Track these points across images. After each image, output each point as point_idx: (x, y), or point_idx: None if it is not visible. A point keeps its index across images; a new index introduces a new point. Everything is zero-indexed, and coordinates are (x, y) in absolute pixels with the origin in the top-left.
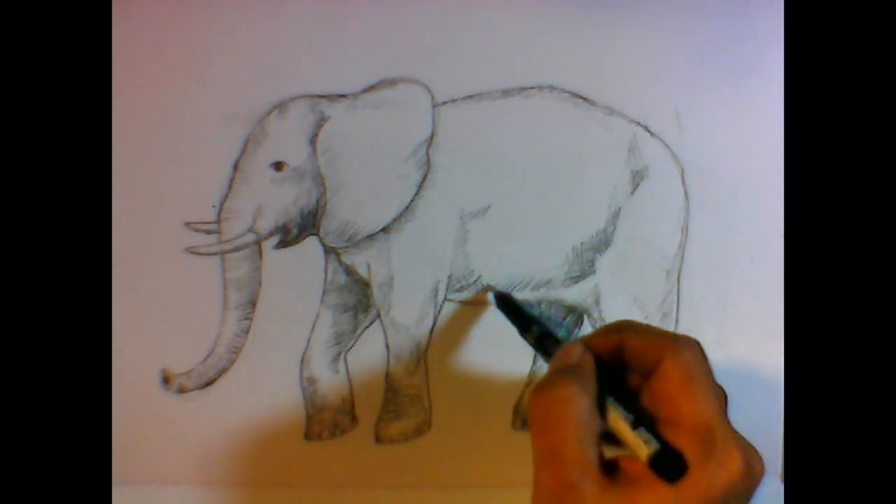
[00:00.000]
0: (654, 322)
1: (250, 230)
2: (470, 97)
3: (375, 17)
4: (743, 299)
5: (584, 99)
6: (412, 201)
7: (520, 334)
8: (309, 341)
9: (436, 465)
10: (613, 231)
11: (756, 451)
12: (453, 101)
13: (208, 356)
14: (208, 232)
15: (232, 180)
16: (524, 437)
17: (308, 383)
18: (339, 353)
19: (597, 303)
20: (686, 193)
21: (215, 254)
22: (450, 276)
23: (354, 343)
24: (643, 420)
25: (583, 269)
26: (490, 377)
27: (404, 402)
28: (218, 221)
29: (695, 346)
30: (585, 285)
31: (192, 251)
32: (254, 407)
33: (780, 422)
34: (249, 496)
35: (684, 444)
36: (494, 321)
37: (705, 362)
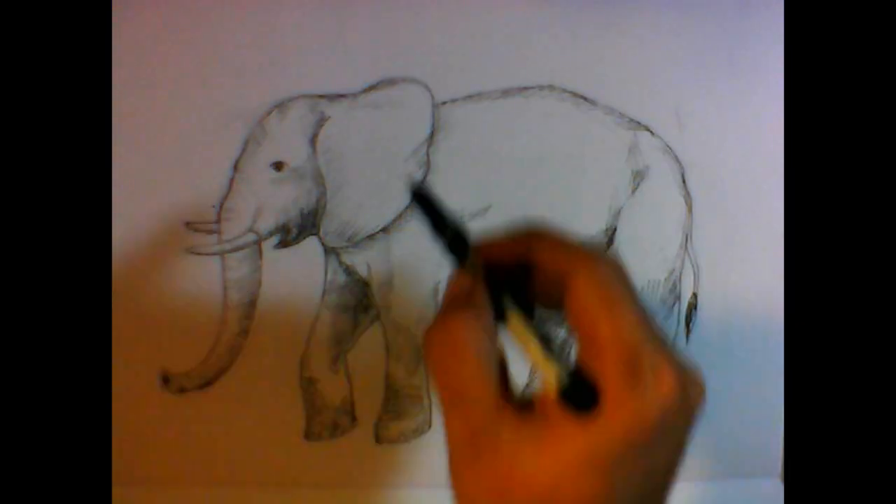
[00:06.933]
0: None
1: (250, 230)
2: (470, 97)
3: (375, 17)
4: (743, 300)
5: (585, 99)
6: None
7: (433, 237)
8: (309, 341)
9: (436, 465)
10: (614, 231)
11: (694, 371)
12: (453, 101)
13: (208, 356)
14: (208, 232)
15: (232, 180)
16: None
17: (308, 383)
18: (339, 353)
19: None
20: (687, 193)
21: (215, 254)
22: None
23: (354, 343)
24: (551, 341)
25: None
26: None
27: (404, 402)
28: (218, 221)
29: (613, 262)
30: None
31: (192, 251)
32: (253, 407)
33: (781, 422)
34: (249, 496)
35: (607, 371)
36: None
37: (626, 278)
